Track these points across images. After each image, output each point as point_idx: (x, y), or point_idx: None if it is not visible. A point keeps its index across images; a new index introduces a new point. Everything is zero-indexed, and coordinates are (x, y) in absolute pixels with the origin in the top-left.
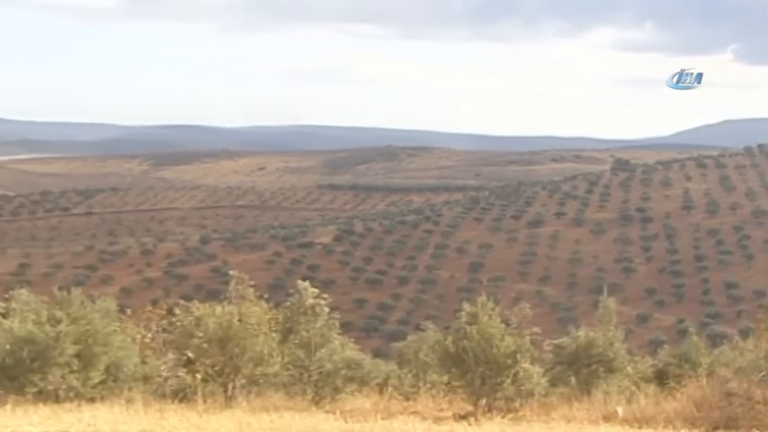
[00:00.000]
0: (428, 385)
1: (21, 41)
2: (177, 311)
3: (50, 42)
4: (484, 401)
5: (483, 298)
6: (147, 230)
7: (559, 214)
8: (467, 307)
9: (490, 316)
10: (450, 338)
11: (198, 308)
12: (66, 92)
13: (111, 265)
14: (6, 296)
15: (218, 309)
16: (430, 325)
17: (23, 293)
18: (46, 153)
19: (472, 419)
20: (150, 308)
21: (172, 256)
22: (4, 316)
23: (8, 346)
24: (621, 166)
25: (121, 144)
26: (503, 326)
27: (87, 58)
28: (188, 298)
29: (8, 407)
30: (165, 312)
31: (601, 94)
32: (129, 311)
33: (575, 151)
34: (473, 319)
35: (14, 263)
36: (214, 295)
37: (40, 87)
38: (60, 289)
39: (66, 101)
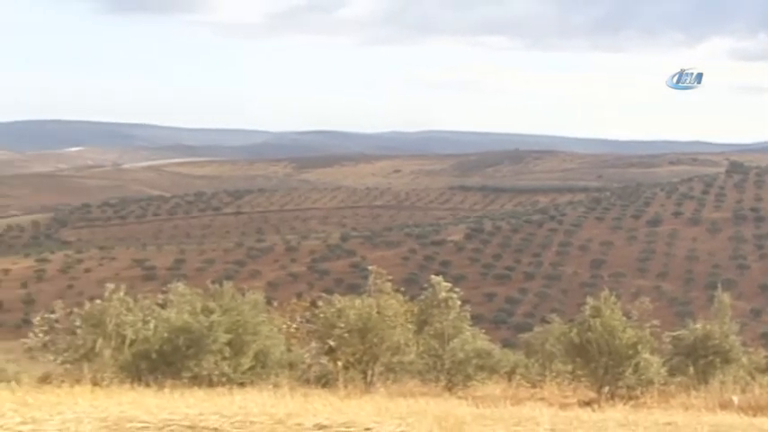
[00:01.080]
0: (553, 374)
1: (175, 56)
2: (320, 304)
3: (202, 56)
4: (606, 389)
5: (605, 293)
6: (291, 229)
7: (677, 214)
8: (590, 301)
9: (612, 309)
10: (574, 330)
11: (339, 300)
12: (217, 101)
13: (259, 261)
14: (164, 289)
15: (358, 301)
16: (555, 318)
17: (179, 286)
18: (199, 157)
19: (596, 406)
20: (295, 300)
21: (314, 252)
22: (163, 307)
23: (166, 335)
24: (736, 168)
25: (268, 148)
26: (624, 319)
27: (236, 70)
28: (329, 291)
29: (166, 390)
30: (308, 305)
31: (716, 100)
32: (275, 303)
33: (691, 155)
34: (596, 312)
35: (171, 258)
36: (353, 289)
37: (194, 97)
38: (213, 282)
39: (218, 109)
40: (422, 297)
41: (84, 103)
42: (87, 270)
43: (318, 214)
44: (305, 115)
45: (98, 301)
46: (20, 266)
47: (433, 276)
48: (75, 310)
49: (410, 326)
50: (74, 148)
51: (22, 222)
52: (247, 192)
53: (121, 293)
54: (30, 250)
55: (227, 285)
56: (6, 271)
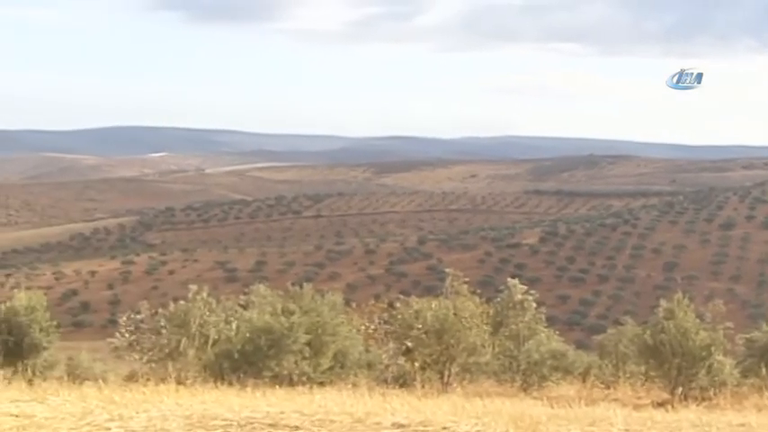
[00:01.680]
0: (627, 375)
1: (258, 63)
2: (397, 305)
3: (284, 63)
4: (680, 390)
5: (678, 295)
6: (369, 232)
7: (749, 217)
8: (664, 303)
9: (685, 312)
10: (648, 332)
11: (416, 302)
12: (296, 107)
13: (338, 263)
14: (246, 290)
15: (435, 303)
16: (628, 319)
17: (261, 288)
18: (280, 162)
19: (669, 407)
20: (373, 302)
21: (392, 255)
22: (244, 308)
23: (248, 335)
24: None
25: (347, 154)
26: (697, 321)
27: (316, 77)
28: (407, 293)
29: (248, 389)
30: (386, 306)
31: None
32: (353, 305)
33: (764, 159)
34: (670, 314)
35: (252, 260)
36: (430, 291)
37: (275, 103)
38: (293, 284)
39: (299, 115)
40: (497, 299)
41: (170, 110)
42: (171, 272)
43: (396, 218)
44: (383, 121)
45: (182, 302)
46: (106, 268)
47: (508, 279)
48: (160, 310)
49: (486, 327)
50: (158, 154)
51: (108, 225)
52: (327, 196)
53: (204, 295)
54: (116, 252)
55: (307, 287)
56: (93, 273)
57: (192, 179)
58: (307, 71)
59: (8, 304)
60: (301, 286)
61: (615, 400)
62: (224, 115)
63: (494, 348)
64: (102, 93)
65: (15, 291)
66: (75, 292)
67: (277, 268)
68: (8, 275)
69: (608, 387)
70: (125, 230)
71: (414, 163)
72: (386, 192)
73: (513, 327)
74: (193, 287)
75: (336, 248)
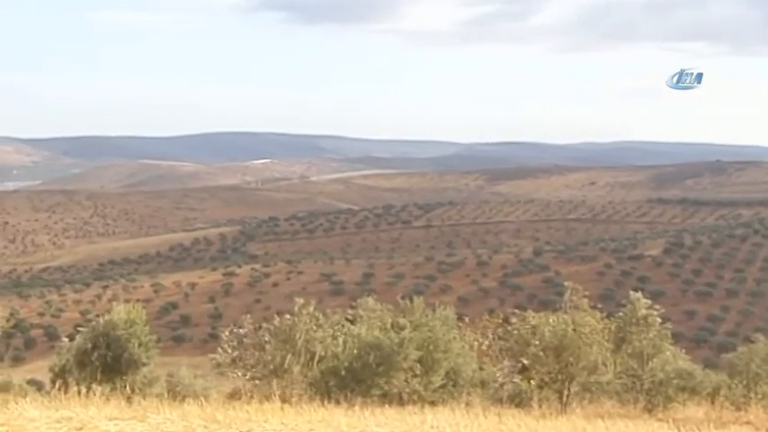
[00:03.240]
0: (759, 396)
1: (364, 66)
2: (513, 320)
3: (391, 66)
4: None
5: None
6: (482, 242)
7: None
8: None
9: None
10: None
11: (533, 317)
12: (404, 111)
13: (449, 275)
14: (353, 304)
15: (553, 318)
16: (760, 337)
17: (369, 301)
18: (388, 169)
19: None
20: (486, 316)
21: (506, 266)
22: (352, 322)
23: (355, 351)
24: None
25: (458, 160)
26: None
27: (425, 80)
28: (521, 307)
29: (356, 408)
30: (500, 321)
31: None
32: (466, 319)
33: None
34: None
35: (360, 272)
36: (547, 305)
37: (382, 107)
38: (402, 297)
39: (405, 120)
40: (619, 314)
41: (272, 115)
42: (275, 284)
43: (510, 228)
44: (495, 126)
45: (287, 316)
46: (207, 280)
47: (631, 292)
48: (264, 324)
49: (607, 344)
50: (261, 161)
51: (208, 236)
52: (438, 204)
53: (311, 308)
54: (216, 264)
55: (417, 300)
56: (193, 285)
57: (296, 187)
58: (415, 74)
59: (106, 317)
60: (411, 300)
61: (747, 423)
62: (329, 120)
63: (615, 367)
64: (200, 97)
65: (114, 303)
66: (174, 306)
67: (385, 281)
68: (105, 287)
69: (738, 409)
70: (226, 241)
71: (529, 170)
72: (499, 200)
73: (637, 344)
74: (299, 300)
75: (448, 260)
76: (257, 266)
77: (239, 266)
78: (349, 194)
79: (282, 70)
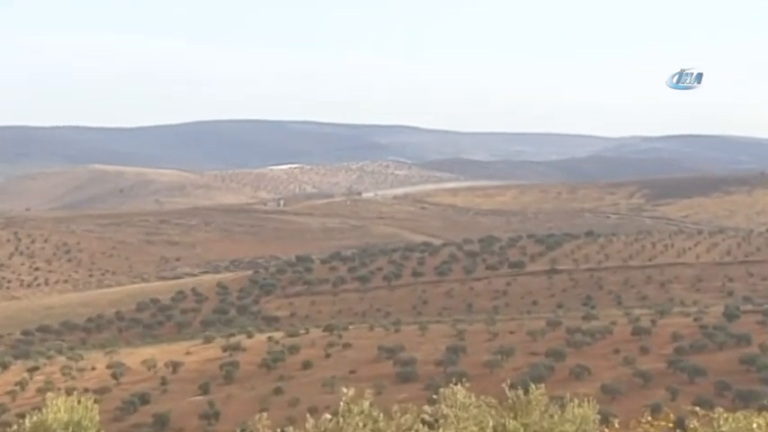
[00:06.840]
0: None
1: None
2: (692, 423)
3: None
4: None
5: None
6: (641, 297)
7: None
8: None
9: None
10: None
11: (726, 418)
12: (512, 88)
13: (587, 351)
14: (432, 396)
15: (759, 420)
16: None
17: (458, 392)
18: (486, 180)
19: None
20: (648, 417)
21: (680, 337)
22: (432, 426)
23: None
24: None
25: (600, 165)
26: None
27: (540, 39)
28: (706, 403)
29: None
30: (671, 425)
31: None
32: (615, 421)
33: None
34: None
35: (442, 345)
36: (749, 399)
37: (473, 83)
38: (511, 386)
39: (514, 103)
40: None
41: (301, 94)
42: (306, 365)
43: (688, 274)
44: (661, 111)
45: (326, 417)
46: (197, 358)
47: None
48: (289, 431)
49: None
50: (284, 166)
51: (200, 286)
52: (568, 237)
53: (366, 404)
54: (212, 331)
55: (536, 392)
56: (175, 365)
57: (340, 209)
58: (526, 30)
59: (34, 419)
60: (526, 390)
61: None
62: (392, 102)
63: None
64: (187, 62)
65: (47, 395)
66: (144, 399)
67: (484, 359)
68: (33, 369)
69: None
70: (228, 294)
71: (716, 180)
72: (669, 229)
73: None
74: (345, 391)
75: (584, 326)
76: (277, 335)
77: (249, 336)
78: (425, 220)
79: (310, 24)
